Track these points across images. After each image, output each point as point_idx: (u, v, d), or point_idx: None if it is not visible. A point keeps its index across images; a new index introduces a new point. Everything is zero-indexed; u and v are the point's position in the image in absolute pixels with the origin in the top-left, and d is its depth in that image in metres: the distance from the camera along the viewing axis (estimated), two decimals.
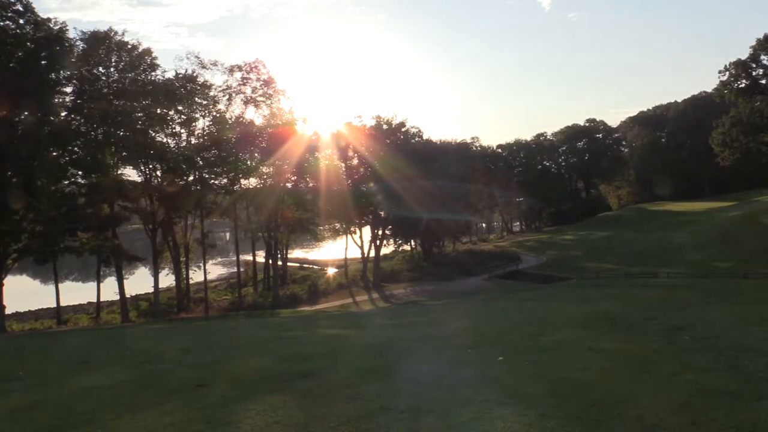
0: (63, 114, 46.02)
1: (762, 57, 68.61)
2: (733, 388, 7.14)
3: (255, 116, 57.45)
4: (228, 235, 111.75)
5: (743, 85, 70.03)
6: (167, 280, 62.16)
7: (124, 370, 11.14)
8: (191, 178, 53.43)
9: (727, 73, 70.72)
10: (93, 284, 52.22)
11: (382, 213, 65.47)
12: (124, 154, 48.69)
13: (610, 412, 6.45)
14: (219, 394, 8.32)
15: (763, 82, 69.51)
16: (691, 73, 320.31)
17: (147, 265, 62.62)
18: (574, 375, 8.33)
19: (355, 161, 65.34)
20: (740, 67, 69.30)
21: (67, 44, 43.81)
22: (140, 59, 48.73)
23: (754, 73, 69.43)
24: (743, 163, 79.11)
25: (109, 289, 54.11)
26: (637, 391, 7.23)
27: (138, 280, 69.68)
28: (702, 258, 57.12)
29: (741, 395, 6.82)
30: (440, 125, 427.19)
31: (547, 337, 12.54)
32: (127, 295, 50.73)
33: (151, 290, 53.24)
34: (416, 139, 70.07)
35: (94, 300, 51.12)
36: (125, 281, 49.63)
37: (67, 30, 44.04)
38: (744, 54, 70.38)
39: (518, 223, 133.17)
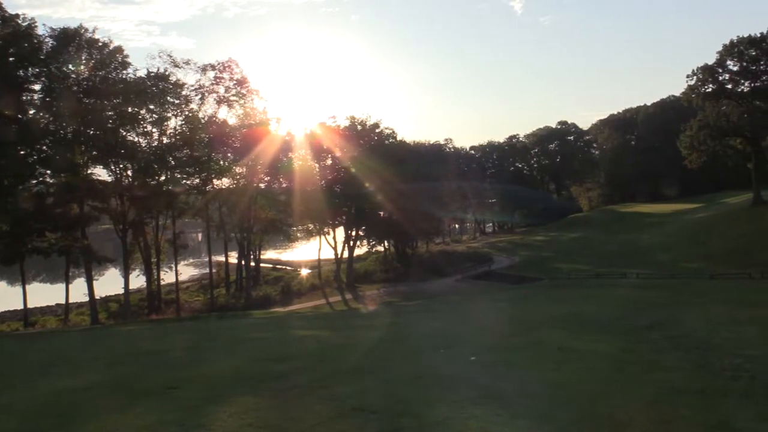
0: (31, 112, 45.21)
1: (728, 62, 70.02)
2: (701, 386, 7.29)
3: (228, 116, 57.12)
4: (200, 235, 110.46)
5: (710, 90, 71.33)
6: (138, 281, 61.31)
7: (95, 373, 10.97)
8: (163, 178, 52.81)
9: (695, 77, 72.02)
10: (61, 285, 51.32)
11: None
12: (94, 153, 47.98)
13: (581, 410, 6.53)
14: (191, 396, 8.23)
15: (729, 86, 70.92)
16: (660, 77, 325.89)
17: (117, 266, 61.71)
18: (546, 375, 8.43)
19: (329, 162, 65.16)
20: (707, 72, 70.61)
21: (36, 41, 43.12)
22: (111, 57, 48.00)
23: (720, 78, 70.78)
24: (710, 165, 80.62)
25: (78, 291, 53.21)
26: (608, 390, 7.34)
27: (108, 281, 68.53)
28: (670, 259, 58.10)
29: (708, 393, 6.97)
30: (414, 126, 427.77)
31: (520, 338, 12.65)
32: (97, 297, 49.92)
33: (122, 291, 52.48)
34: (390, 140, 70.14)
35: (63, 301, 50.24)
36: (95, 282, 48.84)
37: (36, 26, 43.48)
38: (711, 59, 71.87)
39: (491, 224, 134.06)
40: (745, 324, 12.83)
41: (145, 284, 56.16)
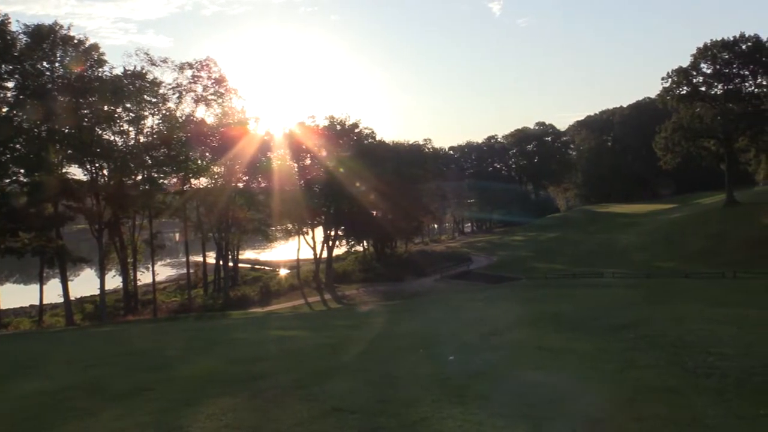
0: (4, 110, 44.48)
1: (702, 65, 71.24)
2: (674, 384, 7.41)
3: (206, 115, 56.74)
4: (177, 235, 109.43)
5: (684, 92, 72.54)
6: (114, 281, 60.64)
7: (70, 375, 10.83)
8: (139, 177, 52.29)
9: (670, 80, 73.18)
10: (35, 286, 50.56)
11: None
12: (68, 151, 47.33)
13: (558, 409, 6.60)
14: (168, 397, 8.17)
15: (703, 89, 72.16)
16: (635, 79, 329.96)
17: (93, 266, 61.01)
18: (523, 373, 8.50)
19: (308, 161, 64.94)
20: (681, 75, 71.77)
21: (9, 37, 42.47)
22: (87, 55, 47.39)
23: (694, 81, 71.99)
24: (685, 166, 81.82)
25: (52, 292, 52.48)
26: (584, 388, 7.43)
27: (83, 282, 67.75)
28: (646, 258, 58.86)
29: (681, 391, 7.08)
30: (393, 126, 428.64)
31: (498, 337, 12.74)
32: (72, 298, 49.27)
33: (97, 292, 51.88)
34: (369, 140, 70.10)
35: (37, 303, 49.49)
36: (70, 283, 48.21)
37: (10, 23, 42.85)
38: (685, 62, 73.03)
39: (469, 224, 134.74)
40: (718, 322, 13.04)
41: (121, 285, 55.56)
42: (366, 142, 68.68)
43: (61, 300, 48.64)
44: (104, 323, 42.84)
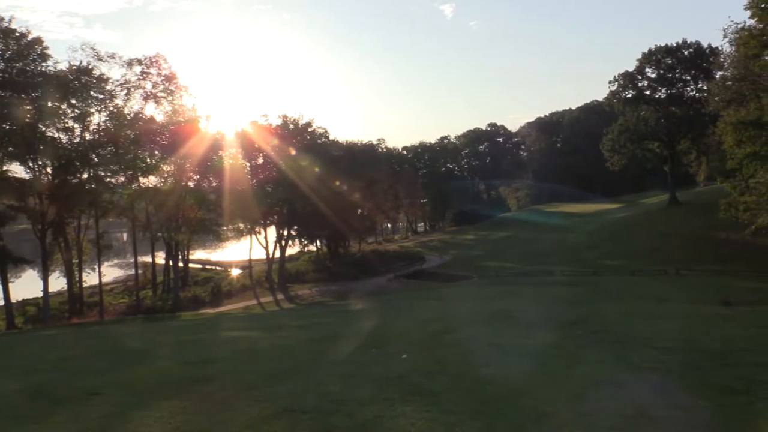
0: None
1: (647, 70, 73.53)
2: (621, 378, 7.62)
3: (156, 112, 55.37)
4: (125, 235, 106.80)
5: (630, 95, 74.75)
6: (58, 283, 58.79)
7: (11, 380, 10.45)
8: (85, 175, 50.82)
9: (616, 83, 75.28)
10: None
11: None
12: (9, 149, 45.62)
13: (508, 404, 6.70)
14: (114, 401, 7.96)
15: (648, 93, 74.45)
16: (584, 82, 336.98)
17: (35, 267, 58.99)
18: (475, 371, 8.60)
19: (261, 160, 64.29)
20: (627, 79, 73.94)
21: None
22: (29, 48, 45.74)
23: (639, 84, 74.25)
24: (631, 167, 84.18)
25: None
26: (534, 384, 7.56)
27: (25, 283, 65.40)
28: (594, 257, 60.28)
29: (627, 385, 7.28)
30: (346, 126, 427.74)
31: (450, 335, 12.85)
32: (13, 300, 47.52)
33: (40, 294, 50.16)
34: (323, 139, 69.87)
35: None
36: (11, 285, 46.50)
37: None
38: (631, 66, 75.18)
39: (422, 223, 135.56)
40: (662, 318, 13.48)
41: (66, 286, 53.89)
42: (319, 141, 68.41)
43: (1, 303, 46.90)
44: (48, 326, 41.48)
